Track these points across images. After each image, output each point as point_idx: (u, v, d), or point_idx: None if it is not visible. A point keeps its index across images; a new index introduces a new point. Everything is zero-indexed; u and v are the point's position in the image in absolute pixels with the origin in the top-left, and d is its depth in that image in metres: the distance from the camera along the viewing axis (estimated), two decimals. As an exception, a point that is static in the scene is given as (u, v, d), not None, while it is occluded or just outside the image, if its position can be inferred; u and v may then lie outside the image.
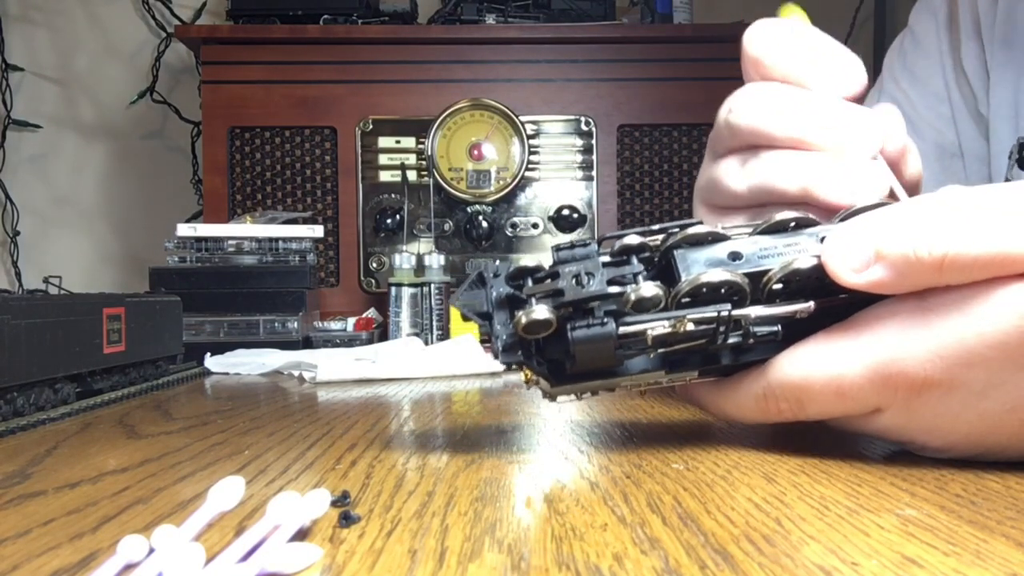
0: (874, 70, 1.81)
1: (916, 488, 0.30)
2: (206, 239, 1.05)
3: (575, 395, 0.37)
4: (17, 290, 1.52)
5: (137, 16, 1.62)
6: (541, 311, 0.33)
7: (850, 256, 0.31)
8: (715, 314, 0.34)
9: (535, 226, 1.26)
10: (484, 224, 1.23)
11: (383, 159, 1.26)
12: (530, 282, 0.35)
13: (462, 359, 0.79)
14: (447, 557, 0.23)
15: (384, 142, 1.26)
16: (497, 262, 0.38)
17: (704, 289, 0.33)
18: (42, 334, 0.51)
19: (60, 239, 1.62)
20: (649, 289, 0.33)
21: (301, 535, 0.25)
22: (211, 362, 0.82)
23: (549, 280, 0.34)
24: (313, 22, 1.27)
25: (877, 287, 0.31)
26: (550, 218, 1.26)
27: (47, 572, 0.23)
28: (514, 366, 0.35)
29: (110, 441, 0.43)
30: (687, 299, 0.34)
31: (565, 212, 1.26)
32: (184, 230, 1.05)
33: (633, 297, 0.33)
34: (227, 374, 0.79)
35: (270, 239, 1.05)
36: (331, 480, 0.33)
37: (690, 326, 0.34)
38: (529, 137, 1.24)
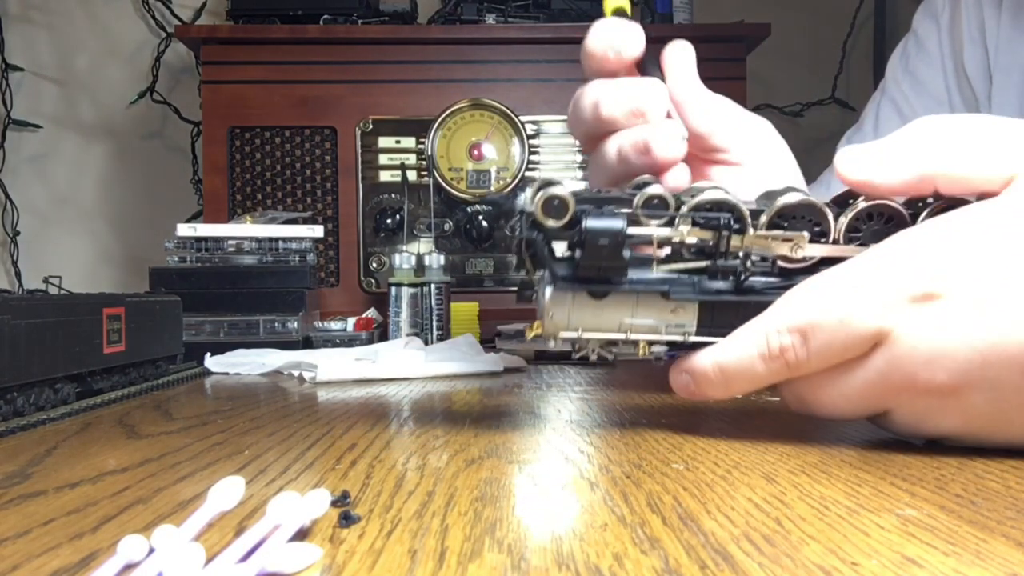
0: (874, 69, 1.81)
1: (916, 488, 0.30)
2: (206, 239, 1.05)
3: (578, 331, 0.37)
4: (17, 290, 1.52)
5: (137, 16, 1.62)
6: (560, 190, 0.35)
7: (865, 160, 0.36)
8: (717, 221, 0.36)
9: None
10: (484, 224, 1.23)
11: (383, 159, 1.26)
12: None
13: (462, 359, 0.79)
14: (447, 557, 0.23)
15: (384, 142, 1.26)
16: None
17: (707, 207, 0.36)
18: (42, 334, 0.51)
19: (60, 239, 1.62)
20: (656, 188, 0.36)
21: (301, 535, 0.25)
22: (211, 362, 0.82)
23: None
24: (313, 22, 1.27)
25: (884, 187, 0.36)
26: (550, 218, 1.26)
27: (47, 572, 0.23)
28: (524, 271, 0.38)
29: (110, 441, 0.43)
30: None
31: (565, 212, 1.26)
32: (184, 230, 1.05)
33: (643, 196, 0.36)
34: (227, 374, 0.79)
35: (270, 239, 1.05)
36: (331, 480, 0.33)
37: (692, 239, 0.36)
38: (529, 137, 1.24)
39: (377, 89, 1.26)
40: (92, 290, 0.81)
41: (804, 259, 0.37)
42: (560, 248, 0.36)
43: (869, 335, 0.33)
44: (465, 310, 1.07)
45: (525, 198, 0.36)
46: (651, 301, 0.37)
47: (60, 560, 0.24)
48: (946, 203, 0.36)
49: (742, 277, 0.37)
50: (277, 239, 1.05)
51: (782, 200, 0.37)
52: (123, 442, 0.43)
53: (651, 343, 0.38)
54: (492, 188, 1.23)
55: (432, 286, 1.02)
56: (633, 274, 0.37)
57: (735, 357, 0.37)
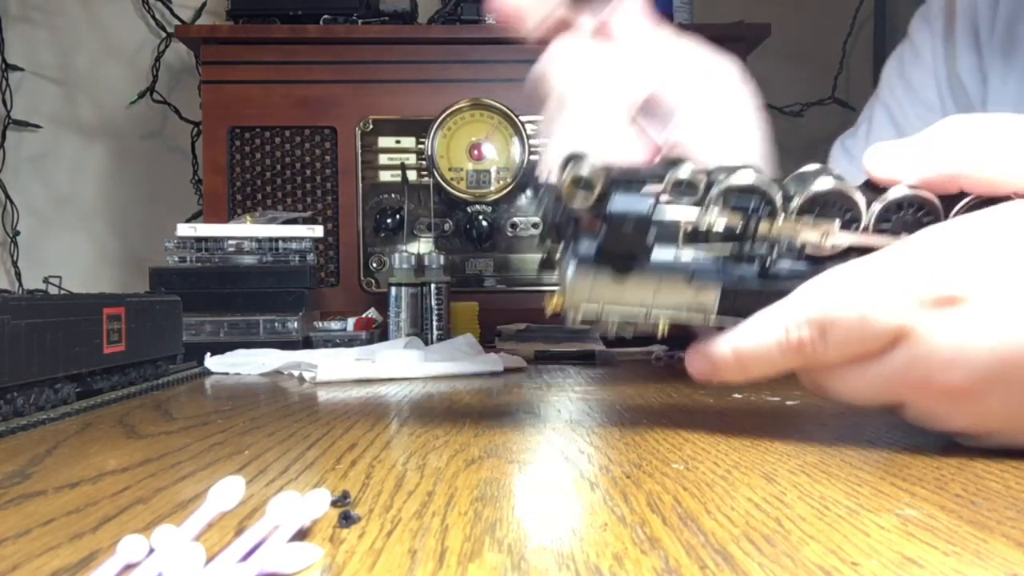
0: (874, 69, 1.81)
1: (916, 488, 0.30)
2: (206, 239, 1.05)
3: (599, 306, 0.37)
4: (17, 290, 1.52)
5: (137, 16, 1.62)
6: (588, 167, 0.34)
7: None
8: (747, 205, 0.35)
9: (535, 226, 1.26)
10: (484, 224, 1.23)
11: (383, 159, 1.26)
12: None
13: (462, 359, 0.79)
14: (447, 557, 0.23)
15: (384, 142, 1.26)
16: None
17: (738, 191, 0.36)
18: (42, 334, 0.51)
19: (60, 239, 1.62)
20: (687, 171, 0.36)
21: (301, 535, 0.25)
22: (211, 362, 0.82)
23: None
24: (313, 22, 1.27)
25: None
26: (550, 218, 1.26)
27: (47, 572, 0.23)
28: (548, 242, 0.37)
29: (110, 441, 0.43)
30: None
31: (565, 212, 1.26)
32: (184, 230, 1.05)
33: (673, 177, 0.36)
34: (227, 374, 0.79)
35: (270, 239, 1.05)
36: (331, 480, 0.33)
37: (721, 223, 0.36)
38: (529, 137, 1.24)
39: (377, 89, 1.26)
40: (92, 290, 0.81)
41: (833, 247, 0.36)
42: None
43: (889, 333, 0.33)
44: (465, 310, 1.07)
45: (551, 170, 0.36)
46: (674, 281, 0.37)
47: (60, 560, 0.24)
48: (982, 199, 0.36)
49: (768, 264, 0.36)
50: (277, 239, 1.05)
51: (815, 187, 0.36)
52: (123, 442, 0.43)
53: (674, 322, 0.38)
54: (492, 188, 1.23)
55: (432, 286, 1.02)
56: (657, 253, 0.36)
57: (753, 344, 0.36)
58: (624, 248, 0.35)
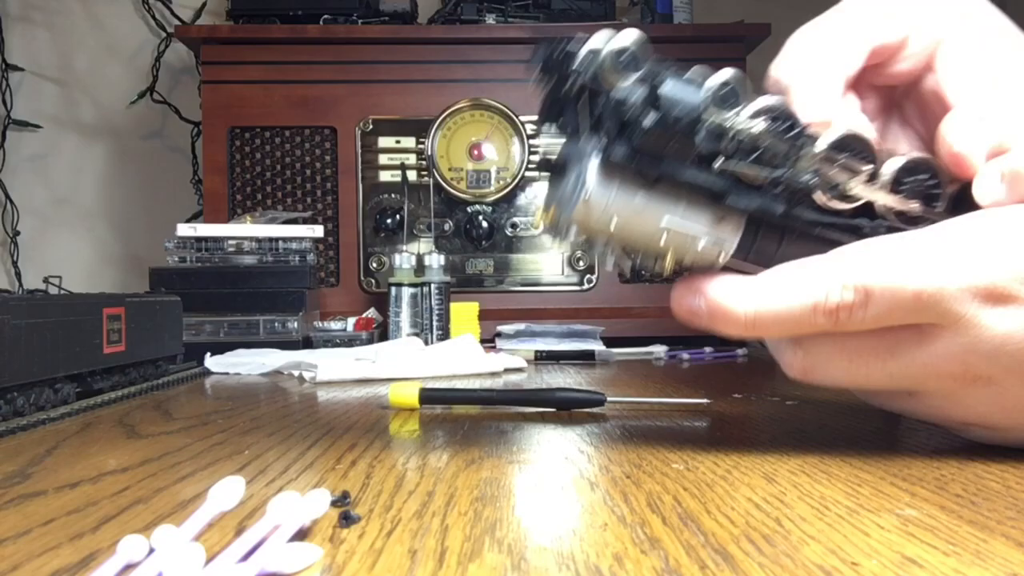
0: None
1: (916, 488, 0.30)
2: (206, 239, 1.05)
3: (611, 221, 0.32)
4: (17, 290, 1.52)
5: (137, 16, 1.62)
6: (634, 38, 0.30)
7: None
8: (790, 125, 0.32)
9: (534, 226, 1.26)
10: (484, 224, 1.23)
11: (383, 159, 1.26)
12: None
13: (462, 359, 0.79)
14: (447, 557, 0.23)
15: (384, 142, 1.26)
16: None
17: (779, 112, 0.33)
18: (42, 334, 0.51)
19: (60, 239, 1.62)
20: (728, 74, 0.32)
21: (301, 535, 0.25)
22: (211, 362, 0.82)
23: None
24: (313, 22, 1.27)
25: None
26: (550, 218, 1.26)
27: (47, 572, 0.23)
28: (553, 125, 0.32)
29: (110, 441, 0.43)
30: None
31: (565, 212, 1.26)
32: (184, 230, 1.05)
33: (715, 82, 0.32)
34: (227, 374, 0.79)
35: (270, 239, 1.05)
36: (331, 480, 0.33)
37: (764, 139, 0.32)
38: (529, 137, 1.24)
39: (377, 89, 1.26)
40: (92, 290, 0.81)
41: (854, 198, 0.34)
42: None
43: (936, 315, 0.32)
44: (465, 310, 1.07)
45: (589, 42, 0.31)
46: (700, 203, 0.33)
47: (60, 560, 0.24)
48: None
49: (796, 201, 0.33)
50: (277, 239, 1.05)
51: (846, 128, 0.34)
52: (123, 442, 0.43)
53: (679, 259, 0.34)
54: (492, 188, 1.23)
55: (432, 286, 1.02)
56: (691, 170, 0.32)
57: (779, 301, 0.33)
58: (665, 146, 0.31)
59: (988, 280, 0.32)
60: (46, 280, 0.83)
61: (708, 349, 0.94)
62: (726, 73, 0.32)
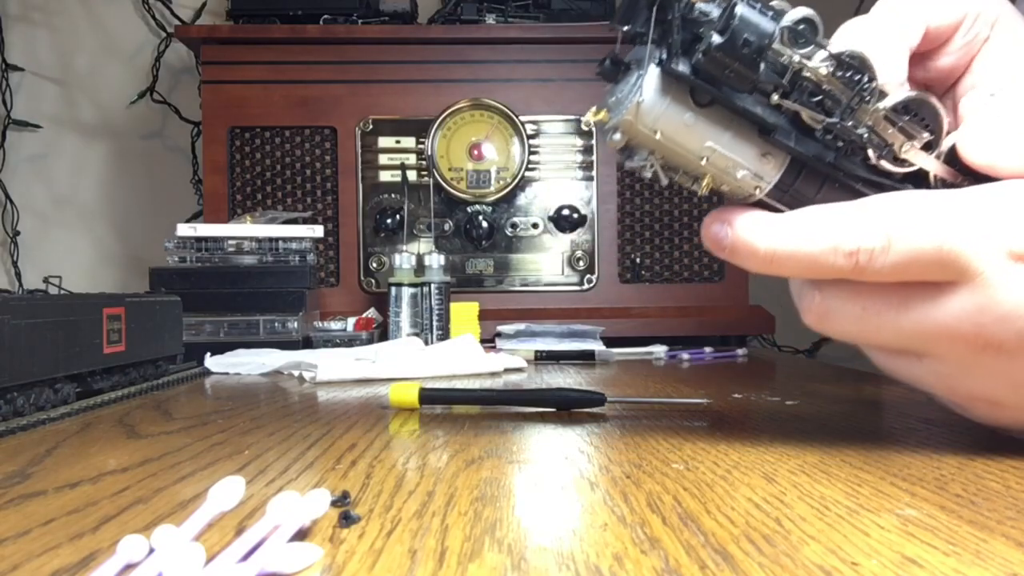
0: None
1: (916, 488, 0.30)
2: (206, 239, 1.05)
3: (656, 134, 0.32)
4: (17, 290, 1.52)
5: (137, 16, 1.62)
6: None
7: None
8: (858, 77, 0.32)
9: (535, 226, 1.26)
10: (484, 224, 1.23)
11: (383, 159, 1.26)
12: None
13: (462, 359, 0.79)
14: (447, 557, 0.23)
15: (384, 142, 1.26)
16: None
17: (850, 59, 0.33)
18: (42, 334, 0.51)
19: (60, 239, 1.62)
20: (801, 12, 0.32)
21: (301, 535, 0.25)
22: (211, 362, 0.82)
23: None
24: (313, 22, 1.27)
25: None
26: (550, 218, 1.26)
27: (47, 572, 0.23)
28: (624, 25, 0.32)
29: (110, 441, 0.43)
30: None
31: (565, 212, 1.25)
32: (184, 230, 1.05)
33: (792, 18, 0.32)
34: (227, 374, 0.79)
35: (270, 239, 1.05)
36: (331, 480, 0.33)
37: (825, 85, 0.32)
38: (529, 137, 1.24)
39: (377, 89, 1.26)
40: (92, 290, 0.81)
41: (906, 163, 0.34)
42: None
43: (956, 270, 0.32)
44: (465, 310, 1.07)
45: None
46: (746, 135, 0.33)
47: (60, 560, 0.24)
48: None
49: (844, 153, 0.33)
50: (277, 239, 1.05)
51: (919, 92, 0.34)
52: (123, 442, 0.43)
53: (717, 185, 0.34)
54: (492, 188, 1.23)
55: (432, 286, 1.02)
56: (746, 98, 0.33)
57: (798, 237, 0.33)
58: (726, 70, 0.31)
59: (1009, 240, 0.32)
60: (46, 280, 0.83)
61: (708, 349, 0.94)
62: (805, 11, 0.32)
